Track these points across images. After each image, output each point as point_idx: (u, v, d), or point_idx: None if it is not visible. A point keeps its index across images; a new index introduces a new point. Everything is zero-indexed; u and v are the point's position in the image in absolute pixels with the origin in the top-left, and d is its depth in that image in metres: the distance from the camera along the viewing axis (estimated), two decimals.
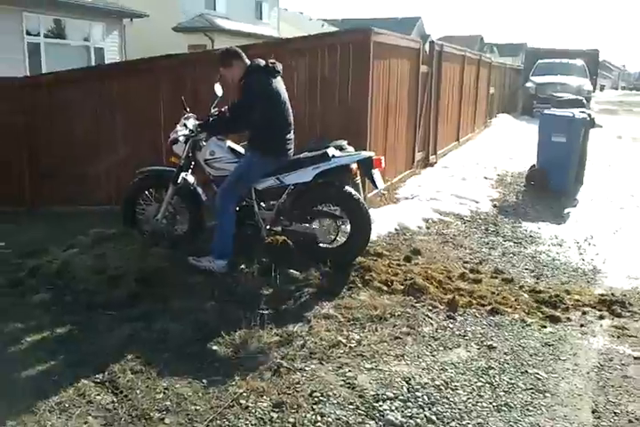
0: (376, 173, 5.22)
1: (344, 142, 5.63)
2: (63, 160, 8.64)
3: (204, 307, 4.28)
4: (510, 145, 12.99)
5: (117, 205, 7.98)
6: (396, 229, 6.47)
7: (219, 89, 5.28)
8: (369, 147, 7.01)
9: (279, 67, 4.98)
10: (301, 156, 5.09)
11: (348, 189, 5.14)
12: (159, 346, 3.77)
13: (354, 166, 5.17)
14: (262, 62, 4.95)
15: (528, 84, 21.20)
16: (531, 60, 23.85)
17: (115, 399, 3.20)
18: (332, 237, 5.19)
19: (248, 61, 4.99)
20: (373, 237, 6.05)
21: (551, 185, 8.77)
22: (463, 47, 13.10)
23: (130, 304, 4.38)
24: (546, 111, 9.73)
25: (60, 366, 3.54)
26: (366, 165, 5.17)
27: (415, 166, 9.38)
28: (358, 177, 6.61)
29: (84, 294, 4.59)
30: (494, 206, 7.97)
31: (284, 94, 5.02)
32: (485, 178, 9.46)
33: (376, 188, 5.44)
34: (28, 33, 16.34)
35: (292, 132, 5.08)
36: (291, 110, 5.09)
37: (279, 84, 5.00)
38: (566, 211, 8.00)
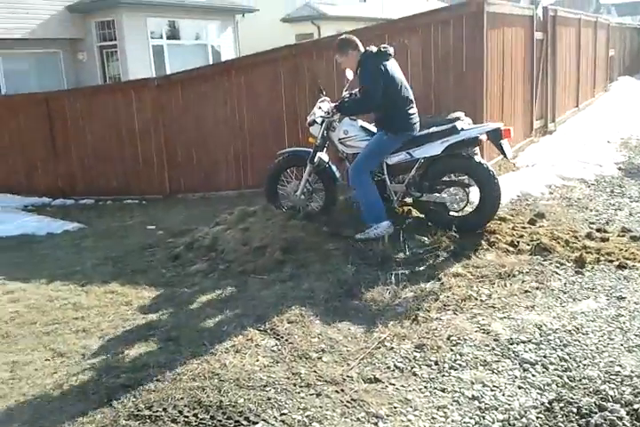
0: (505, 144, 5.39)
1: (461, 114, 5.84)
2: (197, 151, 9.43)
3: (342, 269, 4.71)
4: (633, 108, 12.52)
5: (246, 189, 8.75)
6: (517, 196, 6.59)
7: (350, 73, 5.64)
8: (486, 117, 7.16)
9: (391, 50, 5.30)
10: (430, 130, 5.35)
11: (478, 158, 5.37)
12: (308, 301, 4.24)
13: (483, 137, 5.35)
14: (374, 48, 5.27)
15: None
16: None
17: (277, 343, 3.70)
18: (462, 205, 5.42)
19: (362, 48, 5.32)
20: None
21: None
22: (577, 10, 12.73)
23: (277, 269, 4.91)
24: None
25: (228, 319, 4.09)
26: (495, 136, 5.35)
27: (534, 134, 9.36)
28: (477, 148, 6.82)
29: (236, 262, 5.17)
30: (619, 169, 7.87)
31: (400, 74, 5.33)
32: (608, 142, 9.28)
33: (506, 157, 5.60)
34: (152, 36, 17.52)
35: (414, 107, 5.37)
36: (409, 88, 5.38)
37: (393, 66, 5.31)
38: None
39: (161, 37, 17.87)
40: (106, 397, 3.26)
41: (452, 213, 5.45)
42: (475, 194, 5.41)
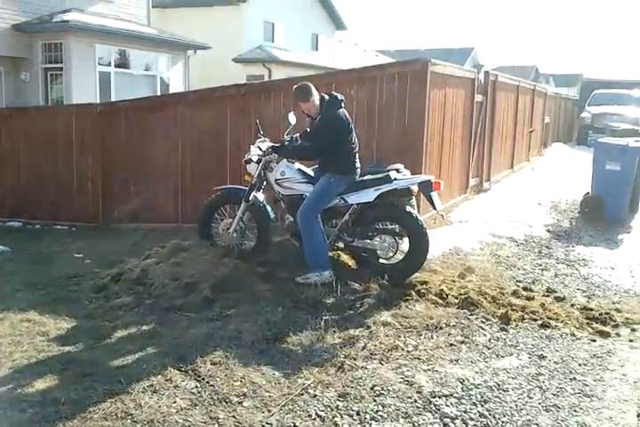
0: (435, 196, 5.57)
1: (401, 166, 6.01)
2: (135, 181, 9.26)
3: (272, 311, 4.65)
4: (564, 173, 13.10)
5: (183, 223, 8.62)
6: (450, 250, 6.72)
7: (292, 118, 5.76)
8: (424, 171, 7.34)
9: (342, 97, 5.46)
10: (365, 178, 5.50)
11: (409, 208, 5.50)
12: (234, 342, 4.16)
13: (414, 188, 5.51)
14: (332, 95, 5.41)
15: (584, 114, 21.18)
16: (587, 91, 23.79)
17: (198, 385, 3.59)
18: (392, 253, 5.53)
19: (318, 93, 5.43)
20: (429, 256, 6.36)
21: (605, 212, 8.89)
22: (518, 77, 13.36)
23: (205, 307, 4.81)
24: (600, 139, 9.90)
25: (148, 357, 3.96)
26: (426, 188, 5.52)
27: (469, 192, 9.63)
28: (413, 200, 6.97)
29: (163, 298, 5.05)
30: (548, 231, 8.16)
31: (351, 121, 5.48)
32: (539, 204, 9.64)
33: (435, 209, 5.77)
34: (100, 62, 17.35)
35: (357, 153, 5.52)
36: (356, 132, 5.52)
37: (346, 112, 5.46)
38: (620, 237, 8.13)
39: (109, 65, 17.69)
40: None
41: (381, 260, 5.54)
42: (405, 244, 5.51)
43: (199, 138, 8.74)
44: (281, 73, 23.17)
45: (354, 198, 5.43)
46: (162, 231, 8.40)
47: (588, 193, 9.37)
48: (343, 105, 5.42)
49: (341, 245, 5.63)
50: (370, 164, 6.41)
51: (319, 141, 5.37)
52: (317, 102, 5.37)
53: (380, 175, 5.47)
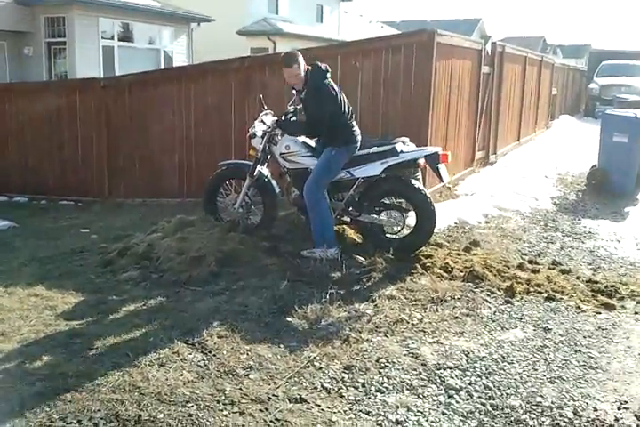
0: (442, 168, 5.52)
1: (406, 139, 5.95)
2: (140, 155, 9.24)
3: (278, 285, 4.68)
4: (571, 146, 13.00)
5: (188, 198, 8.62)
6: (455, 223, 6.72)
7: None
8: (430, 144, 7.29)
9: (328, 68, 5.36)
10: (371, 150, 5.45)
11: (415, 182, 5.47)
12: (240, 316, 4.19)
13: (421, 161, 5.47)
14: (314, 67, 5.30)
15: (591, 86, 20.93)
16: (595, 62, 23.46)
17: (204, 358, 3.62)
18: (399, 228, 5.52)
19: (305, 65, 5.32)
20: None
21: (612, 185, 8.83)
22: (525, 48, 13.17)
23: (212, 281, 4.84)
24: (608, 111, 9.78)
25: (155, 330, 3.99)
26: (433, 160, 5.47)
27: (475, 165, 9.57)
28: (419, 173, 6.93)
29: (170, 272, 5.06)
30: (554, 204, 8.13)
31: (339, 90, 5.39)
32: (546, 177, 9.59)
33: (442, 181, 5.75)
34: (103, 36, 17.21)
35: (354, 120, 5.45)
36: (347, 101, 5.43)
37: (332, 82, 5.37)
38: (626, 210, 8.08)
39: (112, 38, 17.56)
40: (18, 405, 3.10)
41: (388, 234, 5.52)
42: (412, 218, 5.50)
43: (203, 112, 8.69)
44: (286, 45, 22.89)
45: (360, 172, 5.40)
46: (167, 206, 8.41)
47: (594, 165, 9.30)
48: (328, 75, 5.32)
49: (347, 219, 5.62)
50: (375, 137, 6.38)
51: (313, 118, 5.29)
52: (302, 73, 5.26)
53: (386, 148, 5.42)
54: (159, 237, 5.69)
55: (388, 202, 5.56)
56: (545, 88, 15.49)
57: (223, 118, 8.46)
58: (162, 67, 18.52)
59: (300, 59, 5.26)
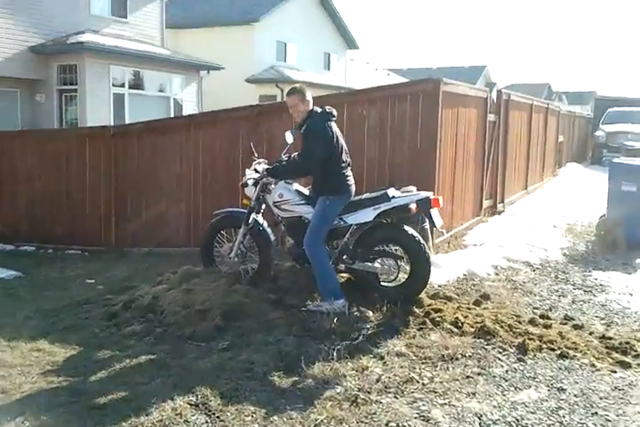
0: (434, 213, 5.50)
1: (413, 188, 5.93)
2: (148, 204, 9.25)
3: (284, 340, 4.59)
4: (579, 194, 12.96)
5: (195, 247, 8.57)
6: (464, 275, 6.63)
7: (289, 137, 5.75)
8: (437, 193, 7.26)
9: (334, 112, 5.44)
10: (363, 196, 5.47)
11: (408, 229, 5.43)
12: (246, 374, 4.08)
13: (412, 206, 5.43)
14: (319, 109, 5.39)
15: (598, 133, 21.02)
16: (600, 109, 23.65)
17: (208, 420, 3.52)
18: (394, 276, 5.47)
19: (310, 105, 5.38)
20: (442, 281, 6.29)
21: (622, 235, 8.73)
22: (530, 95, 13.29)
23: (216, 336, 4.75)
24: (615, 160, 9.77)
25: (158, 389, 3.89)
26: (425, 205, 5.44)
27: (482, 214, 9.53)
28: (427, 223, 6.88)
29: (174, 326, 4.99)
30: (564, 255, 8.03)
31: (341, 136, 5.45)
32: (554, 226, 9.51)
33: (435, 226, 5.67)
34: (114, 84, 17.52)
35: (350, 170, 5.47)
36: (347, 150, 5.47)
37: (335, 127, 5.42)
38: (638, 261, 7.95)
39: (123, 86, 17.87)
40: None
41: (383, 283, 5.48)
42: (407, 265, 5.45)
43: (211, 160, 8.74)
44: None
45: (352, 218, 5.38)
46: (174, 255, 8.36)
47: (603, 215, 9.22)
48: (332, 119, 5.37)
49: (342, 267, 5.56)
50: (382, 187, 6.37)
51: (307, 156, 5.30)
52: (307, 107, 5.33)
53: (377, 193, 5.43)
54: (164, 288, 5.63)
55: (382, 249, 5.51)
56: (551, 135, 15.57)
57: (231, 166, 8.48)
58: (172, 114, 18.79)
59: (306, 92, 5.35)
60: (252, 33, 25.44)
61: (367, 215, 5.35)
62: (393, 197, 5.37)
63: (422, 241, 5.44)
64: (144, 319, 5.23)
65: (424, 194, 5.54)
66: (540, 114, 13.86)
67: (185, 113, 18.66)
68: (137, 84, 18.59)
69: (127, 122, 15.83)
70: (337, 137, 5.34)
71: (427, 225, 6.85)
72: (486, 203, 9.72)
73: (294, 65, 27.55)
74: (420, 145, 7.29)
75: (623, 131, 19.89)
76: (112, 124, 15.19)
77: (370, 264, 5.42)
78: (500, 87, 14.42)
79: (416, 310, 5.24)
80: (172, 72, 19.53)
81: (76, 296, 6.47)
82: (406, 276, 5.48)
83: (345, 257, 5.45)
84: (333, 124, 5.39)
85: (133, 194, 9.35)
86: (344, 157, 5.39)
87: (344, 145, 5.43)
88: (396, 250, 5.48)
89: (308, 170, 5.47)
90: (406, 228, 5.43)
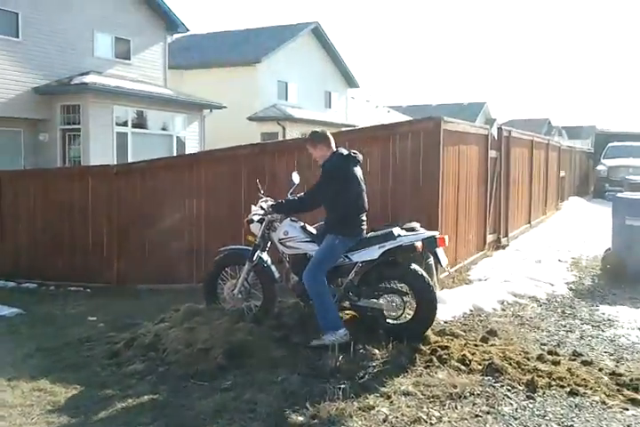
0: (439, 251, 5.50)
1: (417, 224, 5.94)
2: (150, 241, 9.24)
3: (288, 379, 4.49)
4: (583, 228, 12.93)
5: (198, 284, 8.50)
6: (470, 310, 6.56)
7: (296, 177, 5.79)
8: (440, 228, 7.26)
9: (360, 157, 5.49)
10: (369, 235, 5.46)
11: (414, 266, 5.41)
12: (249, 415, 3.99)
13: (418, 244, 5.42)
14: (345, 151, 5.41)
15: (599, 167, 21.12)
16: (601, 143, 23.83)
17: None
18: (399, 313, 5.41)
19: (334, 148, 5.44)
20: (448, 317, 6.22)
21: (627, 269, 8.68)
22: (530, 131, 13.40)
23: (219, 375, 4.66)
24: (619, 194, 9.78)
25: None
26: (430, 244, 5.44)
27: (487, 248, 9.50)
28: (431, 259, 6.84)
29: (176, 365, 4.91)
30: (570, 289, 7.95)
31: (362, 181, 5.49)
32: (559, 261, 9.45)
33: (440, 265, 5.66)
34: (117, 123, 17.71)
35: (365, 214, 5.49)
36: (366, 196, 5.50)
37: (358, 172, 5.47)
38: None
39: (126, 125, 18.06)
40: None
41: (388, 320, 5.41)
42: (413, 303, 5.41)
43: (214, 197, 8.75)
44: (295, 130, 23.57)
45: (357, 256, 5.37)
46: (177, 292, 8.30)
47: (608, 249, 9.18)
48: (356, 162, 5.42)
49: (347, 304, 5.51)
50: (386, 223, 6.36)
51: (314, 191, 5.38)
52: (323, 152, 5.41)
53: (383, 232, 5.42)
54: (167, 326, 5.57)
55: (387, 286, 5.47)
56: (553, 170, 15.65)
57: (233, 204, 8.50)
58: (174, 152, 18.96)
59: (329, 139, 5.45)
60: (254, 73, 25.86)
61: (372, 253, 5.33)
62: (399, 235, 5.37)
63: (428, 279, 5.41)
64: (146, 358, 5.16)
65: (429, 233, 5.54)
66: (541, 150, 13.96)
67: (188, 151, 18.83)
68: (140, 123, 18.79)
69: (130, 160, 15.96)
70: (359, 180, 5.40)
71: (431, 261, 6.83)
72: (490, 237, 9.69)
73: (296, 103, 27.91)
74: (423, 182, 7.32)
75: (625, 165, 20.00)
76: (115, 162, 15.32)
77: (375, 301, 5.38)
78: (500, 123, 14.57)
79: (422, 347, 5.15)
80: (175, 111, 19.77)
81: (77, 334, 6.40)
82: (412, 313, 5.42)
83: (350, 294, 5.42)
84: (357, 169, 5.44)
85: (136, 231, 9.35)
86: (362, 200, 5.43)
87: (364, 190, 5.47)
88: (401, 287, 5.44)
89: (313, 204, 5.50)
90: (412, 266, 5.41)
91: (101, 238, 9.59)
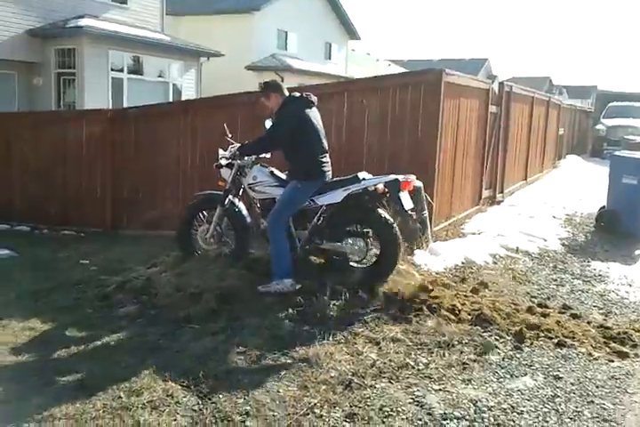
0: (403, 195, 5.43)
1: (413, 177, 5.85)
2: (144, 187, 9.17)
3: (278, 324, 4.52)
4: (579, 186, 12.91)
5: None
6: (462, 263, 6.58)
7: (268, 123, 5.71)
8: (437, 181, 7.22)
9: (313, 98, 5.43)
10: (335, 179, 5.45)
11: (379, 210, 5.38)
12: (239, 357, 4.02)
13: (380, 186, 5.37)
14: (297, 94, 5.42)
15: (598, 127, 21.02)
16: (601, 103, 23.64)
17: (200, 402, 3.46)
18: (362, 256, 5.42)
19: (279, 98, 5.40)
20: (440, 268, 6.24)
21: (621, 226, 8.71)
22: (531, 88, 13.21)
23: (210, 319, 4.68)
24: (616, 153, 9.71)
25: (150, 370, 3.83)
26: (393, 187, 5.38)
27: (482, 203, 9.48)
28: (426, 211, 6.81)
29: (167, 309, 4.93)
30: (563, 245, 7.98)
31: (319, 122, 5.45)
32: (554, 217, 9.46)
33: (403, 209, 5.55)
34: (113, 68, 17.37)
35: (327, 156, 5.46)
36: (324, 136, 5.47)
37: (313, 113, 5.42)
38: (637, 252, 7.92)
39: (122, 71, 17.71)
40: None
41: (352, 263, 5.43)
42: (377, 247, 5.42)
43: (208, 145, 8.62)
44: (294, 81, 23.11)
45: (322, 200, 5.37)
46: (169, 238, 8.26)
47: (603, 207, 9.18)
48: (311, 105, 5.37)
49: (311, 247, 5.52)
50: (382, 174, 6.30)
51: (271, 131, 5.40)
52: (277, 101, 5.38)
53: (348, 176, 5.41)
54: (158, 271, 5.58)
55: (351, 230, 5.47)
56: (552, 128, 15.51)
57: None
58: (170, 99, 18.65)
59: (279, 87, 5.44)
60: (253, 21, 25.24)
61: (336, 197, 5.33)
62: (363, 179, 5.36)
63: (393, 224, 5.38)
64: (137, 301, 5.18)
65: (392, 176, 5.46)
66: (542, 107, 13.79)
67: (184, 99, 18.51)
68: (136, 69, 18.41)
69: (125, 106, 15.71)
70: (313, 122, 5.34)
71: (426, 214, 6.81)
72: (486, 192, 9.66)
73: (295, 54, 27.36)
74: (421, 135, 7.22)
75: (623, 125, 19.89)
76: (110, 107, 15.08)
77: (339, 244, 5.38)
78: (502, 80, 14.33)
79: (414, 295, 5.16)
80: (172, 58, 19.36)
81: (69, 277, 6.41)
82: (375, 258, 5.44)
83: (315, 237, 5.44)
84: (312, 111, 5.40)
85: (130, 177, 9.26)
86: (321, 142, 5.39)
87: (321, 131, 5.43)
88: (365, 230, 5.44)
89: (271, 145, 5.51)
90: (378, 210, 5.39)
91: (95, 183, 9.51)
